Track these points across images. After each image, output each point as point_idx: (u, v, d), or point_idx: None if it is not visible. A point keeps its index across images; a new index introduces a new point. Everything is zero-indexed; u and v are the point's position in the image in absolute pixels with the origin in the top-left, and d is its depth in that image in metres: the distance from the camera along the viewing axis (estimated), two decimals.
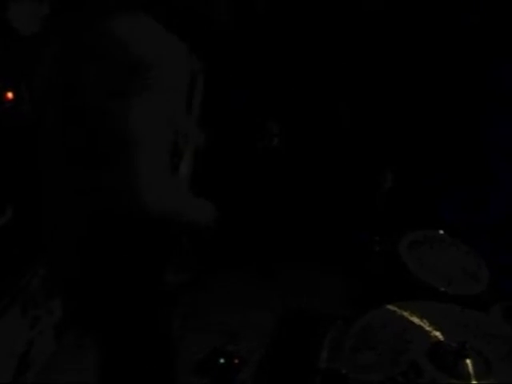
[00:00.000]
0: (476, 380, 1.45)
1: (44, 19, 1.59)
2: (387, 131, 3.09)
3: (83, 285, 1.56)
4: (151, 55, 1.34)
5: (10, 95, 1.87)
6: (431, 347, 1.52)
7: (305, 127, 3.27)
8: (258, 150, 3.09)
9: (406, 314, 1.62)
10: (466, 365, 1.47)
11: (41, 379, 2.65)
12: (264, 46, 3.14)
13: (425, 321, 1.59)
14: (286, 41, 3.13)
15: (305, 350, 2.46)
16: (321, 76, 3.19)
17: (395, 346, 1.52)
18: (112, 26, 1.38)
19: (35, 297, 2.56)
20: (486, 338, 1.59)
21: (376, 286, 2.22)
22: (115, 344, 1.68)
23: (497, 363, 1.50)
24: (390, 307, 1.66)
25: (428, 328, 1.57)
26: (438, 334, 1.56)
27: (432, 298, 1.90)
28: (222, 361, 2.78)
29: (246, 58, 3.12)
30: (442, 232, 2.25)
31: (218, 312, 3.10)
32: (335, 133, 3.25)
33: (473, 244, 2.23)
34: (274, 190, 3.28)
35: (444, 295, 1.99)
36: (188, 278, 1.68)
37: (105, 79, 1.36)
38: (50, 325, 2.70)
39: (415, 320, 1.60)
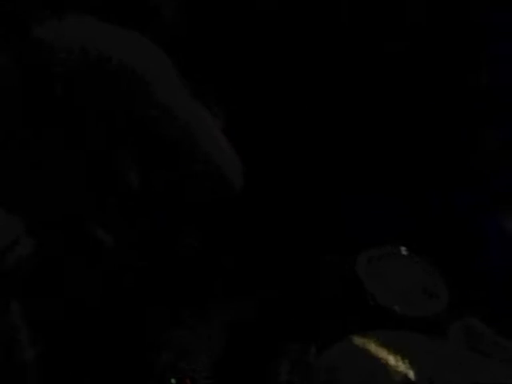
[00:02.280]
0: None
1: None
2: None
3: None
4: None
5: None
6: None
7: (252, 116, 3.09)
8: None
9: (372, 347, 1.55)
10: None
11: None
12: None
13: (391, 355, 1.53)
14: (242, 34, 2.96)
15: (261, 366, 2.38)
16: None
17: None
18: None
19: None
20: (452, 367, 1.55)
21: (332, 308, 2.15)
22: None
23: None
24: (355, 340, 1.59)
25: (396, 363, 1.51)
26: (406, 368, 1.50)
27: (391, 320, 1.86)
28: (173, 381, 2.68)
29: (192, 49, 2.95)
30: (402, 248, 2.19)
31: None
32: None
33: None
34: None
35: (403, 317, 1.94)
36: None
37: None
38: None
39: (382, 354, 1.53)
